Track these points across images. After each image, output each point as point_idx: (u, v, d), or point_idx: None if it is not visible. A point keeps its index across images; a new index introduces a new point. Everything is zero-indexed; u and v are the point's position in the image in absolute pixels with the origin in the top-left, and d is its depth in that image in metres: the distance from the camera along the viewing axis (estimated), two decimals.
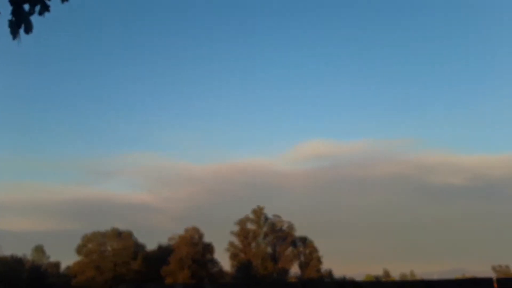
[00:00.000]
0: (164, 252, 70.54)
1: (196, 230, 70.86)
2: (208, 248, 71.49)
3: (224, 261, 77.92)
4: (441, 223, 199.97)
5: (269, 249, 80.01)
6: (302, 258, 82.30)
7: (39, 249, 74.27)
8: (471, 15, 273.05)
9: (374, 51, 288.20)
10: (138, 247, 71.39)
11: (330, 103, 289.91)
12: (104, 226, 77.53)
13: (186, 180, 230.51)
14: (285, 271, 79.76)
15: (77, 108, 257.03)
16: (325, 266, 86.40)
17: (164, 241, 73.91)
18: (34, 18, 5.46)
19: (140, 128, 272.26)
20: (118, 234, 71.03)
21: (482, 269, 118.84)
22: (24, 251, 75.37)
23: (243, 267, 76.74)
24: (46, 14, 5.56)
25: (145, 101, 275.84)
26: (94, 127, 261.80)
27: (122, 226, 78.82)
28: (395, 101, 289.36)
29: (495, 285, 11.35)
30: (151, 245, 75.36)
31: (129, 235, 71.77)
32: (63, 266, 79.04)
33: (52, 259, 78.20)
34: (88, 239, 69.89)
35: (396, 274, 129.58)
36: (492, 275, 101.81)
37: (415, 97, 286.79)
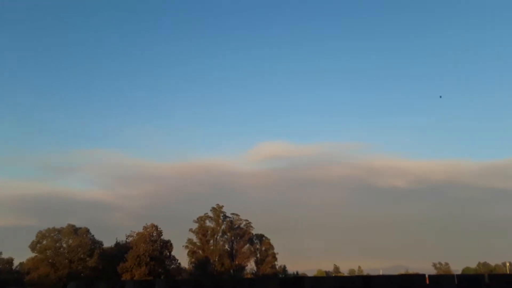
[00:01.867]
0: (121, 249, 70.28)
1: (154, 227, 71.15)
2: (166, 245, 72.05)
3: (183, 258, 79.10)
4: (388, 223, 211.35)
5: (226, 247, 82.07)
6: (258, 255, 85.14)
7: None
8: (423, 29, 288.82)
9: (330, 56, 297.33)
10: (95, 244, 70.65)
11: (288, 106, 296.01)
12: (61, 223, 76.03)
13: (146, 178, 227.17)
14: (242, 268, 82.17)
15: (35, 103, 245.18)
16: (280, 262, 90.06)
17: (122, 238, 73.69)
18: None
19: (99, 125, 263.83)
20: (74, 231, 69.94)
21: (424, 266, 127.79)
22: None
23: (201, 264, 78.25)
24: None
25: (105, 97, 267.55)
26: (52, 122, 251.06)
27: (79, 223, 77.47)
28: (348, 107, 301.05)
29: (427, 281, 13.89)
30: (108, 242, 74.88)
31: (85, 231, 70.85)
32: (16, 262, 76.87)
33: (5, 255, 75.74)
34: (42, 235, 68.34)
35: (345, 269, 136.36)
36: (433, 271, 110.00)
37: (366, 104, 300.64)
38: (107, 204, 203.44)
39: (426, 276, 15.58)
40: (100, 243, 71.83)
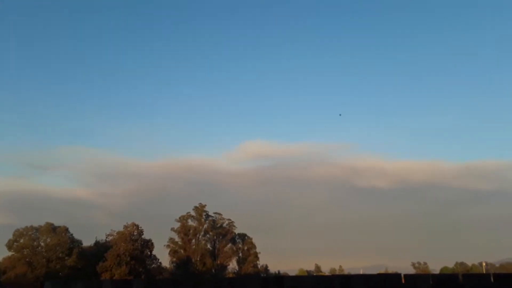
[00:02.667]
0: (101, 248, 69.31)
1: (135, 226, 70.40)
2: (147, 245, 71.35)
3: (164, 257, 78.47)
4: (369, 223, 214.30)
5: (208, 246, 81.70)
6: (241, 254, 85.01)
7: None
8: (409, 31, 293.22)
9: (317, 57, 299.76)
10: (74, 243, 69.45)
11: (274, 106, 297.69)
12: (39, 221, 74.41)
13: (129, 176, 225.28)
14: (224, 267, 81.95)
15: (14, 99, 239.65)
16: (262, 261, 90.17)
17: (102, 237, 72.71)
18: None
19: (80, 122, 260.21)
20: (52, 229, 68.62)
21: (404, 266, 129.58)
22: None
23: (182, 263, 77.70)
24: None
25: (87, 94, 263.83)
26: (32, 118, 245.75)
27: (58, 221, 75.98)
28: (333, 107, 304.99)
29: (403, 280, 14.10)
30: (88, 241, 73.79)
31: (64, 230, 69.57)
32: None
33: None
34: (20, 233, 66.85)
35: (326, 269, 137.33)
36: (412, 271, 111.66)
37: (351, 105, 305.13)
38: (87, 203, 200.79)
39: (402, 275, 15.84)
40: (79, 242, 70.67)
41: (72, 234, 70.38)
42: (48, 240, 68.18)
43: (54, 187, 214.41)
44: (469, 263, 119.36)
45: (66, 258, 67.43)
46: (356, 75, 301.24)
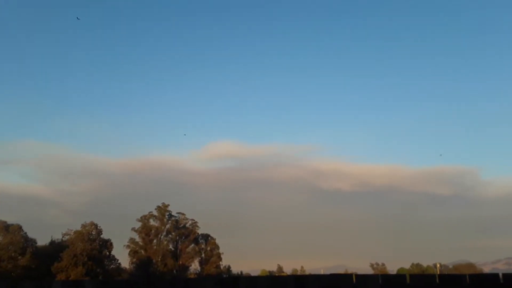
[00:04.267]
0: (56, 248, 67.19)
1: (94, 225, 68.67)
2: (106, 245, 69.70)
3: (124, 258, 76.80)
4: (331, 224, 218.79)
5: (170, 246, 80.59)
6: (203, 255, 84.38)
7: None
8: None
9: (284, 57, 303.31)
10: (28, 242, 66.81)
11: (241, 106, 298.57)
12: None
13: (89, 173, 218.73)
14: (186, 268, 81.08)
15: None
16: (225, 262, 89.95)
17: (58, 236, 70.33)
18: None
19: (38, 116, 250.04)
20: (5, 228, 65.79)
21: (363, 266, 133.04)
22: None
23: (142, 264, 76.26)
24: None
25: (47, 87, 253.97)
26: None
27: (11, 219, 72.67)
28: (299, 109, 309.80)
29: (354, 280, 14.48)
30: (43, 241, 71.15)
31: (17, 228, 66.81)
32: None
33: None
34: None
35: (288, 269, 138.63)
36: (371, 271, 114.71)
37: (316, 107, 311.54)
38: (43, 200, 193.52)
39: (353, 275, 16.22)
40: (33, 241, 68.08)
41: (26, 233, 67.79)
42: (0, 238, 65.28)
43: (7, 183, 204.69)
44: (425, 264, 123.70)
45: (19, 257, 64.73)
46: (323, 79, 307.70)
